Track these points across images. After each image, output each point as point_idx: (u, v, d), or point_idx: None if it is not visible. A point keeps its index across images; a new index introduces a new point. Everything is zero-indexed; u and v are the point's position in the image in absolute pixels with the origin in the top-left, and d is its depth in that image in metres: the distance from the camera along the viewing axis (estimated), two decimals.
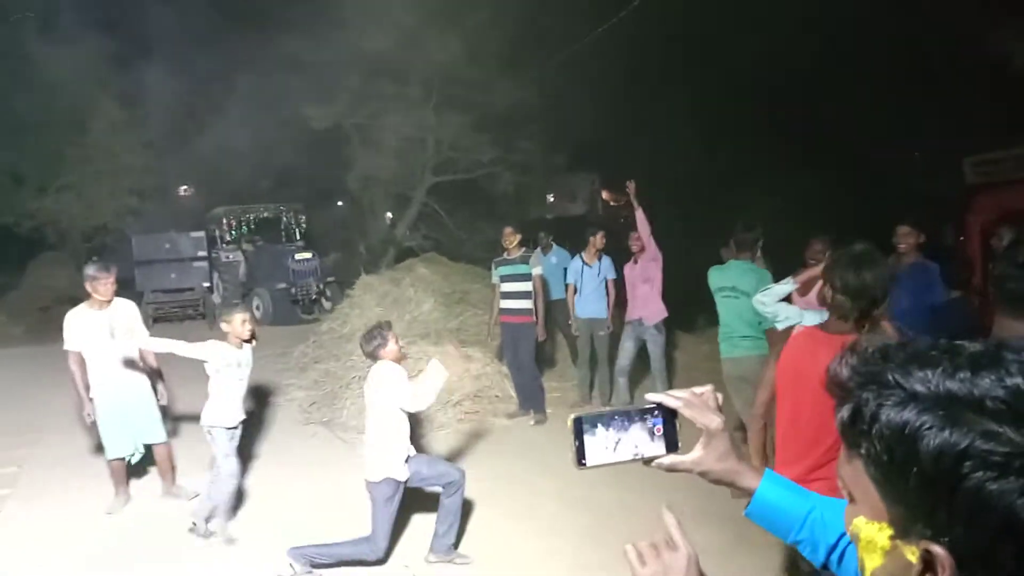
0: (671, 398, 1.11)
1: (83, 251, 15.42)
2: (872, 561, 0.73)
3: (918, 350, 0.69)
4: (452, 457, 6.02)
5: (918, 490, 0.64)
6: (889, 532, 0.70)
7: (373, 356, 4.18)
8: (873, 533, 0.71)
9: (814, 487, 2.56)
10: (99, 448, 5.38)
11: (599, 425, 1.08)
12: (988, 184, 8.02)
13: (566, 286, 7.48)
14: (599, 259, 7.24)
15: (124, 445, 5.13)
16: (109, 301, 5.09)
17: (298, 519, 4.85)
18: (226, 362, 4.58)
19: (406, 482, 4.09)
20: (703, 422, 1.13)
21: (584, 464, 1.08)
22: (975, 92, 9.38)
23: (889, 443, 0.66)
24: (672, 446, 1.11)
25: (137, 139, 16.01)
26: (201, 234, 13.97)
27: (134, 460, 5.25)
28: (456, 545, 4.34)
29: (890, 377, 0.67)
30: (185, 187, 22.22)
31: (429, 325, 8.64)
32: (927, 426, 0.63)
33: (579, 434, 1.08)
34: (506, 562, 4.26)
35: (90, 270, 5.06)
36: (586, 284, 7.24)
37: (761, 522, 1.20)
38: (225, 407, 4.58)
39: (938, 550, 0.64)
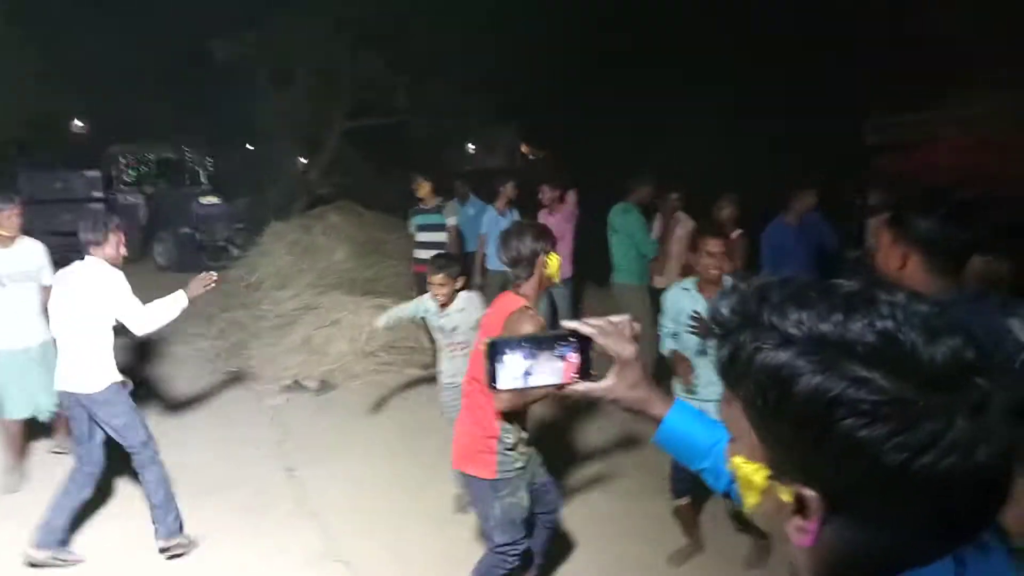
0: (586, 326, 1.11)
1: None
2: (750, 498, 0.75)
3: (794, 291, 0.68)
4: (367, 408, 5.98)
5: (791, 434, 0.65)
6: (766, 472, 0.71)
7: (86, 247, 3.74)
8: (751, 472, 0.72)
9: (464, 420, 2.96)
10: None
11: (514, 350, 1.08)
12: (888, 146, 8.40)
13: (480, 237, 7.38)
14: (509, 210, 7.19)
15: (22, 405, 4.59)
16: (13, 238, 4.57)
17: (203, 463, 4.75)
18: (431, 322, 4.26)
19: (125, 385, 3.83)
20: (616, 350, 1.14)
21: (495, 387, 1.09)
22: (878, 55, 9.77)
23: (764, 386, 0.65)
24: (585, 374, 1.12)
25: (24, 67, 14.74)
26: (97, 173, 13.08)
27: (43, 418, 4.75)
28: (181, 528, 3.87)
29: (766, 319, 0.67)
30: (79, 123, 20.79)
31: (342, 275, 8.46)
32: (800, 371, 0.63)
33: (493, 357, 1.08)
34: (417, 510, 4.29)
35: None
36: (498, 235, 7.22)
37: (668, 449, 1.24)
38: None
39: (809, 493, 0.65)
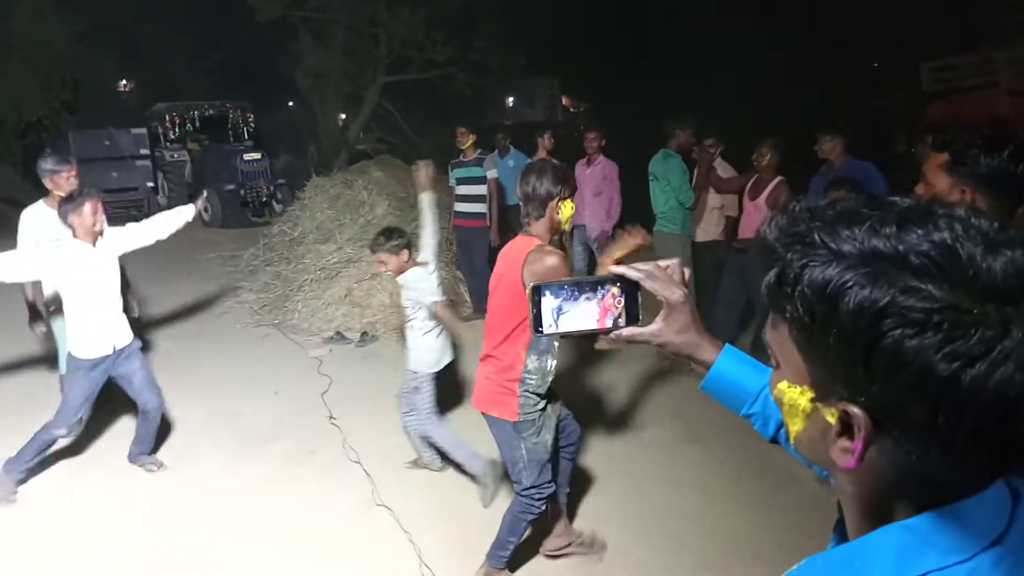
0: (633, 270, 1.09)
1: (17, 149, 14.64)
2: (794, 425, 0.73)
3: (847, 209, 0.66)
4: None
5: (838, 349, 0.63)
6: (810, 395, 0.69)
7: (63, 218, 3.84)
8: (795, 396, 0.71)
9: (487, 362, 2.92)
10: (51, 361, 5.18)
11: (558, 294, 1.06)
12: (945, 91, 8.04)
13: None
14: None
15: None
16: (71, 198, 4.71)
17: (250, 412, 4.89)
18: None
19: (99, 363, 3.92)
20: (665, 294, 1.11)
21: (541, 331, 1.07)
22: None
23: (811, 303, 0.64)
24: (632, 318, 1.10)
25: (68, 29, 14.95)
26: (143, 131, 13.32)
27: None
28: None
29: (816, 237, 0.65)
30: (124, 82, 21.10)
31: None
32: (848, 284, 0.61)
33: (537, 302, 1.06)
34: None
35: (48, 163, 4.51)
36: None
37: (715, 395, 1.21)
38: None
39: (855, 410, 0.63)
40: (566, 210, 2.85)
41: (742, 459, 4.22)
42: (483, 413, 3.05)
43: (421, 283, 3.84)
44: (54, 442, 4.00)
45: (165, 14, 17.78)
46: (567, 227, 2.96)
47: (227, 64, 18.53)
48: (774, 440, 1.22)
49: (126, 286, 4.87)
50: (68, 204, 3.87)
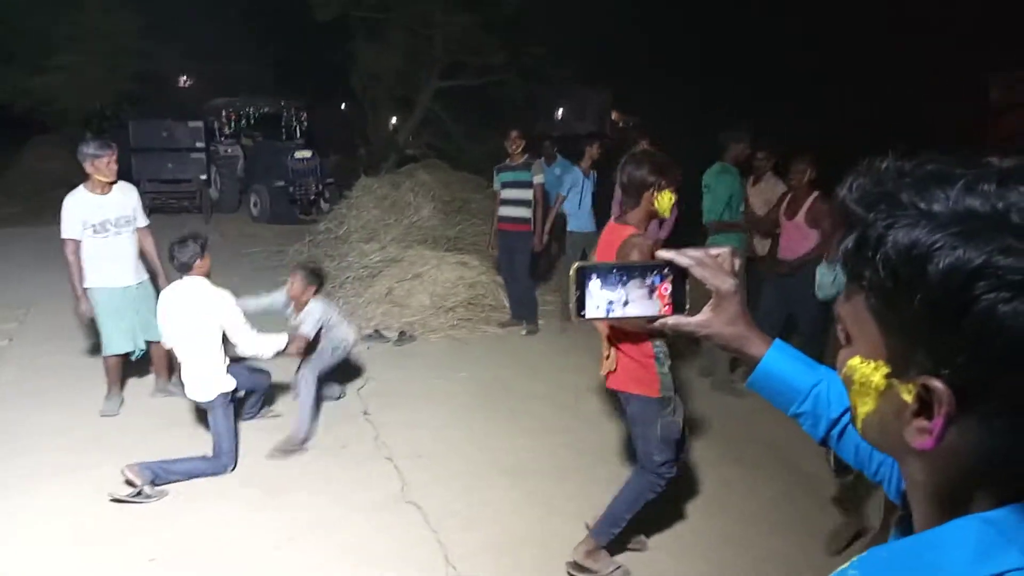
0: (683, 256, 1.04)
1: (80, 134, 15.12)
2: (864, 405, 0.68)
3: (940, 168, 0.61)
4: (443, 361, 6.07)
5: (922, 315, 0.58)
6: (885, 370, 0.64)
7: (185, 268, 4.16)
8: (868, 372, 0.66)
9: (618, 348, 2.93)
10: (89, 333, 5.34)
11: (603, 278, 1.01)
12: (1016, 104, 7.77)
13: (558, 196, 7.20)
14: (592, 171, 7.14)
15: (123, 341, 4.83)
16: (111, 183, 4.75)
17: (289, 402, 4.93)
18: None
19: (235, 390, 4.27)
20: (715, 283, 1.06)
21: (583, 315, 1.03)
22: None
23: (894, 266, 0.58)
24: (679, 307, 1.05)
25: (134, 22, 15.44)
26: (199, 124, 13.60)
27: (135, 357, 4.98)
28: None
29: (904, 196, 0.60)
30: (185, 77, 21.69)
31: (427, 231, 8.58)
32: (938, 244, 0.56)
33: (581, 285, 1.02)
34: (490, 462, 4.32)
35: (89, 148, 4.63)
36: (584, 197, 7.09)
37: (763, 392, 1.15)
38: None
39: (937, 384, 0.58)
40: (664, 201, 2.89)
41: (783, 481, 4.11)
42: (620, 392, 3.09)
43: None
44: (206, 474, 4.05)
45: (226, 11, 18.23)
46: (667, 215, 3.01)
47: (284, 63, 18.91)
48: (823, 442, 1.16)
49: (154, 275, 5.04)
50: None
